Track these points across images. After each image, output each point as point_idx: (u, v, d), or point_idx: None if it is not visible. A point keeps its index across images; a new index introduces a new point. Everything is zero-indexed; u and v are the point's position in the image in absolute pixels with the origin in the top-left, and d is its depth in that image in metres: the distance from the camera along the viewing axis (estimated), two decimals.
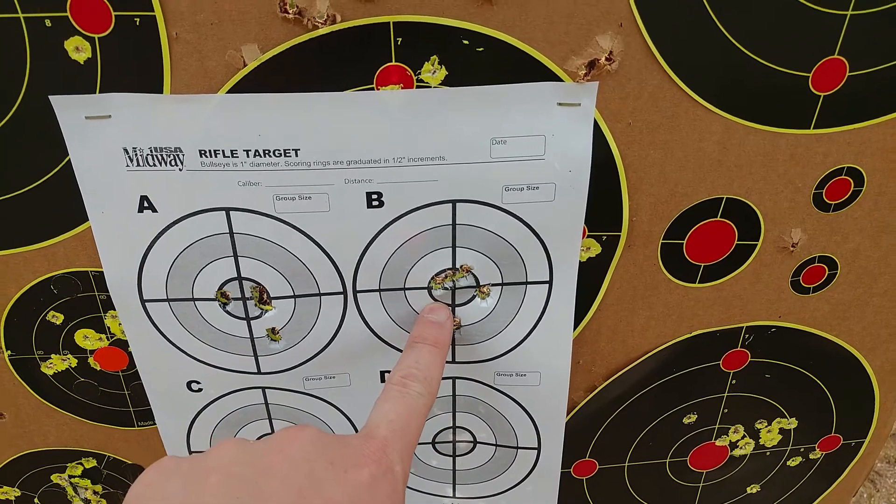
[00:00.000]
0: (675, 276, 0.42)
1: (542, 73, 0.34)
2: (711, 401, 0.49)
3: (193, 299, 0.39)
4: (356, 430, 0.47)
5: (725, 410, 0.50)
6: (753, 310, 0.44)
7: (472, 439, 0.48)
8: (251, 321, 0.41)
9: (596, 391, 0.47)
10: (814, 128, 0.37)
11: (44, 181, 0.36)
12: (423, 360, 0.35)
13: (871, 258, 0.43)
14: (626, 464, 0.52)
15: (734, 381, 0.48)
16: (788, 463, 0.54)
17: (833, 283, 0.44)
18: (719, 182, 0.38)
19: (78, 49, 0.32)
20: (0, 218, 0.37)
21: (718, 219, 0.40)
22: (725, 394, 0.49)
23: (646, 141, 0.36)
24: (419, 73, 0.33)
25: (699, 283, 0.42)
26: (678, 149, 0.37)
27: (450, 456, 0.49)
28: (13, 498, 0.50)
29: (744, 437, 0.52)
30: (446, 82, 0.33)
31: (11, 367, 0.43)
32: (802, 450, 0.53)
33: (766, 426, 0.51)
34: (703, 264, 0.42)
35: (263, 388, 0.44)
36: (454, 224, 0.38)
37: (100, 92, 0.33)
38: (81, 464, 0.48)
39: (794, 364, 0.48)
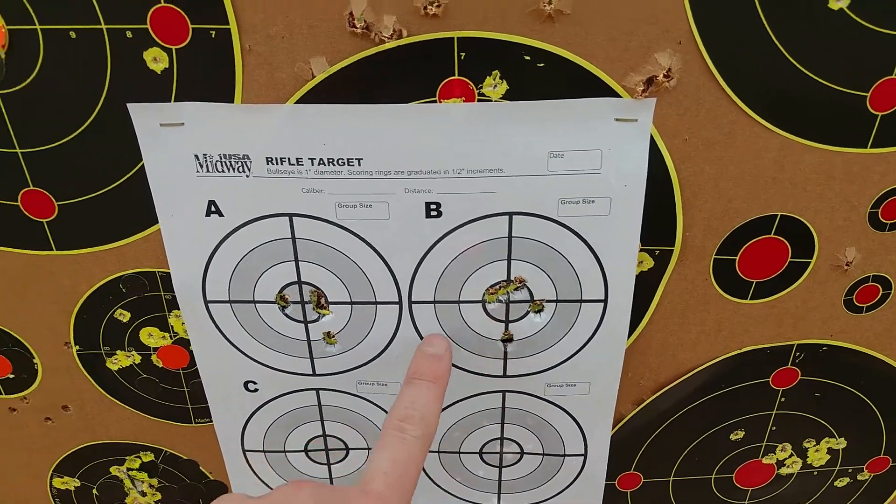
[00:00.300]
0: (726, 292, 0.42)
1: (600, 89, 0.34)
2: (759, 418, 0.49)
3: (254, 301, 0.41)
4: None
5: (773, 428, 0.50)
6: (805, 328, 0.44)
7: (519, 450, 0.48)
8: (308, 324, 0.42)
9: (643, 404, 0.47)
10: (871, 147, 0.37)
11: (118, 185, 0.37)
12: (421, 398, 0.35)
13: None
14: (671, 478, 0.52)
15: (783, 399, 0.48)
16: (836, 483, 0.53)
17: (887, 302, 0.44)
18: (774, 199, 0.38)
19: (156, 59, 0.33)
20: (76, 219, 0.38)
21: (772, 235, 0.40)
22: (774, 411, 0.49)
23: (701, 157, 0.37)
24: (481, 87, 0.34)
25: (751, 299, 0.42)
26: (733, 165, 0.37)
27: (496, 466, 0.49)
28: (73, 488, 0.52)
29: (791, 455, 0.52)
30: (507, 96, 0.34)
31: (79, 362, 0.45)
32: (850, 470, 0.52)
33: (815, 445, 0.51)
34: (755, 280, 0.42)
35: (317, 390, 0.45)
36: (510, 236, 0.38)
37: (174, 100, 0.34)
38: (139, 457, 0.50)
39: (844, 383, 0.48)
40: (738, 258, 0.41)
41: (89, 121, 0.35)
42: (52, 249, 0.40)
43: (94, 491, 0.52)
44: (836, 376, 0.47)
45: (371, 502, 0.30)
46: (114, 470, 0.51)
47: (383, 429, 0.34)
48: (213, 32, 0.32)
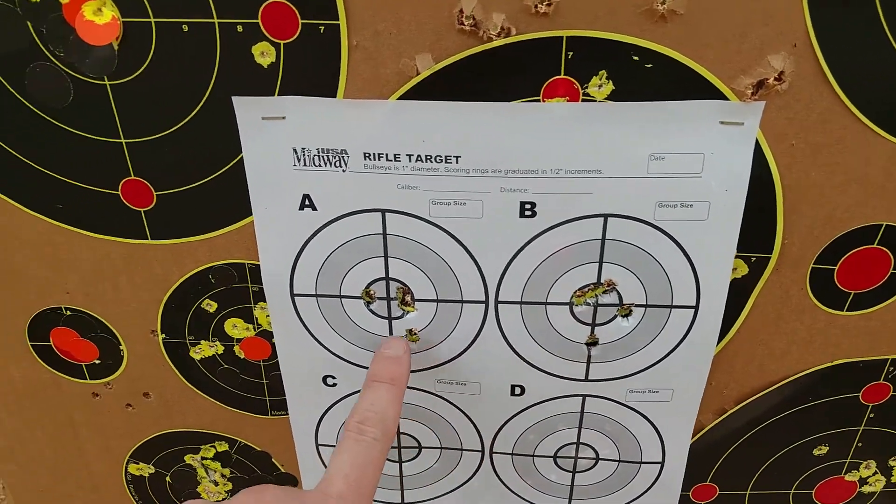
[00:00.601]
0: (822, 303, 0.41)
1: (707, 91, 0.34)
2: (846, 433, 0.48)
3: (340, 296, 0.41)
4: (481, 438, 0.47)
5: (859, 444, 0.48)
6: None
7: (594, 456, 0.48)
8: (392, 321, 0.42)
9: (725, 414, 0.46)
10: None
11: (215, 176, 0.38)
12: (380, 401, 0.36)
13: None
14: (748, 492, 0.51)
15: (872, 415, 0.47)
16: None
17: None
18: (880, 208, 0.37)
19: (263, 54, 0.33)
20: (173, 209, 0.39)
21: (875, 246, 0.39)
22: (861, 427, 0.47)
23: (808, 162, 0.36)
24: (586, 87, 0.34)
25: (847, 310, 0.41)
26: (841, 172, 0.36)
27: (569, 472, 0.49)
28: (147, 475, 0.53)
29: (875, 473, 0.50)
30: (611, 97, 0.34)
31: (164, 350, 0.45)
32: None
33: None
34: (853, 292, 0.41)
35: None
36: (603, 238, 0.38)
37: (278, 94, 0.34)
38: (214, 447, 0.51)
39: None
40: (837, 268, 0.39)
41: (193, 113, 0.35)
42: (148, 238, 0.40)
43: (168, 478, 0.53)
44: None
45: None
46: (188, 458, 0.52)
47: (343, 431, 0.34)
48: (322, 28, 0.32)
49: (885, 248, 0.39)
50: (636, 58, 0.33)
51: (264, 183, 0.37)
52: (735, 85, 0.34)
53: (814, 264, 0.39)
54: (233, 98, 0.35)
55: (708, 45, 0.33)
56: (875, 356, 0.43)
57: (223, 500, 0.48)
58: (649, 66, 0.33)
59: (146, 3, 0.33)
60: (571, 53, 0.33)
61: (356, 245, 0.39)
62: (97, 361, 0.46)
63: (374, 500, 0.45)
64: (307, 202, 0.38)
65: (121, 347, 0.45)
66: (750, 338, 0.42)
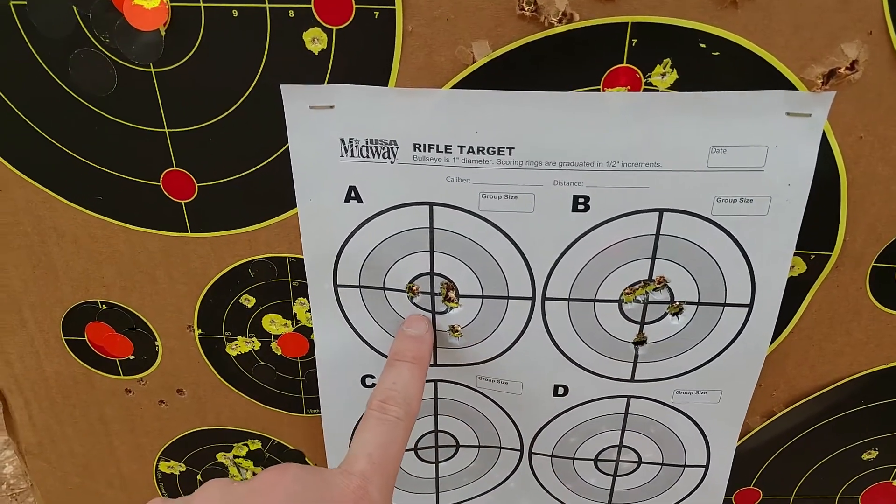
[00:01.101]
0: (881, 303, 0.39)
1: (774, 80, 0.32)
2: None
3: (384, 288, 0.40)
4: (520, 438, 0.46)
5: None
6: None
7: (636, 459, 0.46)
8: (436, 315, 0.40)
9: (774, 417, 0.45)
10: None
11: (258, 168, 0.36)
12: (402, 379, 0.35)
13: None
14: (793, 496, 0.50)
15: None
16: None
17: None
18: None
19: (315, 40, 0.32)
20: (214, 201, 0.38)
21: None
22: None
23: (876, 156, 0.34)
24: (649, 77, 0.32)
25: None
26: None
27: (610, 475, 0.48)
28: (178, 473, 0.52)
29: None
30: (675, 86, 0.32)
31: (199, 346, 0.44)
32: None
33: None
34: None
35: (436, 382, 0.44)
36: (657, 234, 0.36)
37: (328, 82, 0.33)
38: (247, 445, 0.50)
39: None
40: None
41: (240, 101, 0.34)
42: (188, 231, 0.39)
43: (199, 476, 0.52)
44: None
45: (354, 483, 0.30)
46: (220, 456, 0.51)
47: (366, 410, 0.34)
48: (377, 13, 0.31)
49: None
50: (703, 45, 0.32)
51: (310, 174, 0.36)
52: (805, 74, 0.32)
53: (875, 263, 0.38)
54: (281, 86, 0.34)
55: (779, 32, 0.31)
56: None
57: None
58: (716, 53, 0.32)
59: None
60: (636, 41, 0.32)
61: (401, 239, 0.38)
62: (131, 357, 0.45)
63: None
64: (353, 194, 0.37)
65: (156, 343, 0.44)
66: (803, 338, 0.41)
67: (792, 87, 0.33)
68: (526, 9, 0.31)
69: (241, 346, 0.44)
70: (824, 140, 0.34)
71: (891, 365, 0.42)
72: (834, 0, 0.30)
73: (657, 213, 0.36)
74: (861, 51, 0.31)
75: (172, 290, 0.42)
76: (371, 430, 0.33)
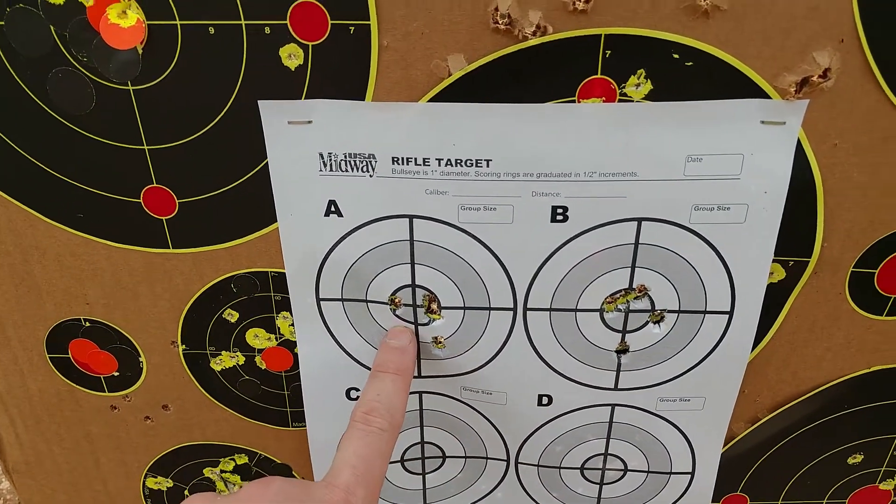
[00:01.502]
0: (860, 308, 0.40)
1: (748, 90, 0.33)
2: (881, 441, 0.46)
3: (367, 301, 0.40)
4: (506, 448, 0.46)
5: (895, 452, 0.47)
6: None
7: (622, 467, 0.46)
8: (418, 327, 0.41)
9: (758, 423, 0.45)
10: None
11: (239, 183, 0.37)
12: (386, 391, 0.35)
13: None
14: (780, 501, 0.50)
15: None
16: None
17: None
18: None
19: (291, 56, 0.32)
20: (195, 217, 0.38)
21: None
22: None
23: (851, 163, 0.34)
24: (623, 87, 0.33)
25: (887, 315, 0.40)
26: (886, 173, 0.35)
27: (596, 483, 0.48)
28: (165, 489, 0.52)
29: None
30: (650, 96, 0.33)
31: (184, 362, 0.44)
32: None
33: None
34: (893, 296, 0.39)
35: (420, 393, 0.44)
36: (637, 243, 0.37)
37: (305, 97, 0.33)
38: (234, 460, 0.49)
39: None
40: (877, 272, 0.38)
41: (218, 118, 0.34)
42: (169, 248, 0.39)
43: (186, 492, 0.52)
44: None
45: (337, 495, 0.30)
46: (207, 472, 0.51)
47: (350, 422, 0.34)
48: (353, 28, 0.31)
49: None
50: (676, 56, 0.32)
51: (289, 189, 0.36)
52: (778, 83, 0.33)
53: (854, 268, 0.38)
54: (259, 102, 0.34)
55: (751, 41, 0.32)
56: None
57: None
58: (689, 64, 0.32)
59: (172, 4, 0.32)
60: (609, 52, 0.32)
61: (382, 252, 0.38)
62: (116, 374, 0.45)
63: None
64: (333, 209, 0.37)
65: (140, 359, 0.44)
66: (785, 344, 0.41)
67: (766, 96, 0.33)
68: (500, 22, 0.31)
69: (225, 360, 0.44)
70: (799, 147, 0.34)
71: (872, 369, 0.43)
72: (805, 9, 0.31)
73: (636, 223, 0.36)
74: (833, 59, 0.32)
75: (155, 305, 0.42)
76: (355, 442, 0.33)
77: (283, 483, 0.31)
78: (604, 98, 0.33)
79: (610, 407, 0.43)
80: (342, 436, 0.34)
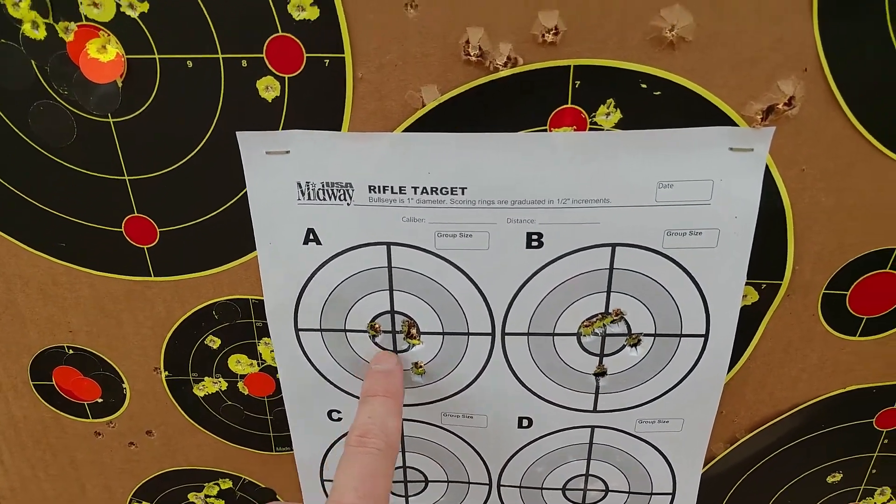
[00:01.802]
0: (834, 328, 0.40)
1: (716, 117, 0.33)
2: (860, 460, 0.47)
3: (345, 330, 0.40)
4: (488, 471, 0.46)
5: (874, 471, 0.47)
6: None
7: (604, 488, 0.47)
8: (398, 353, 0.41)
9: (737, 443, 0.45)
10: None
11: (219, 212, 0.37)
12: (377, 412, 0.35)
13: None
14: None
15: (886, 441, 0.46)
16: None
17: None
18: (893, 232, 0.37)
19: (268, 88, 0.33)
20: (176, 245, 0.38)
21: (888, 270, 0.38)
22: (875, 453, 0.47)
23: (818, 188, 0.35)
24: (593, 116, 0.33)
25: (860, 336, 0.41)
26: (852, 197, 0.35)
27: None
28: None
29: (890, 499, 0.49)
30: (620, 125, 0.33)
31: (167, 388, 0.44)
32: None
33: None
34: (865, 317, 0.40)
35: (402, 420, 0.44)
36: (611, 268, 0.37)
37: (282, 128, 0.34)
38: (218, 484, 0.50)
39: None
40: (849, 293, 0.39)
41: (198, 148, 0.35)
42: (151, 275, 0.40)
43: None
44: None
45: None
46: (192, 496, 0.51)
47: (345, 447, 0.33)
48: (327, 61, 0.32)
49: None
50: (644, 85, 0.33)
51: (268, 218, 0.37)
52: (744, 111, 0.33)
53: (825, 290, 0.39)
54: (237, 133, 0.34)
55: (717, 71, 0.32)
56: (889, 381, 0.43)
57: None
58: (657, 93, 0.33)
59: (151, 39, 0.32)
60: (579, 82, 0.33)
61: (361, 279, 0.38)
62: (99, 400, 0.45)
63: None
64: (311, 236, 0.37)
65: (123, 385, 0.45)
66: (761, 365, 0.42)
67: (734, 124, 0.34)
68: (471, 55, 0.32)
69: (208, 386, 0.44)
70: (768, 173, 0.35)
71: (848, 389, 0.43)
72: (769, 40, 0.32)
73: (610, 248, 0.37)
74: (797, 87, 0.33)
75: (138, 333, 0.42)
76: (353, 464, 0.32)
77: None
78: (575, 127, 0.34)
79: (590, 429, 0.44)
80: (339, 462, 0.33)
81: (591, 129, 0.34)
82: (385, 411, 0.35)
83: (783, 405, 0.44)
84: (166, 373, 0.44)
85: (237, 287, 0.40)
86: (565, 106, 0.33)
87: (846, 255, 0.38)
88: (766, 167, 0.35)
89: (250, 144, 0.35)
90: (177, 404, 0.45)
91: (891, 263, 0.38)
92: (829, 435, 0.46)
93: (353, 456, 0.33)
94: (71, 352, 0.43)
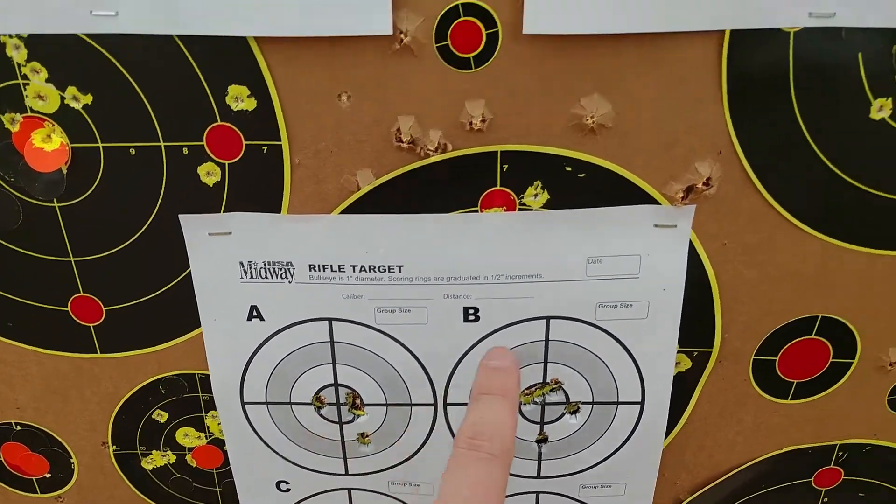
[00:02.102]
0: (766, 393, 0.42)
1: (640, 197, 0.35)
2: None
3: (290, 403, 0.41)
4: None
5: None
6: (848, 427, 0.43)
7: None
8: (343, 425, 0.42)
9: None
10: None
11: (164, 290, 0.38)
12: (491, 412, 0.30)
13: None
14: None
15: (826, 499, 0.47)
16: None
17: None
18: (815, 301, 0.39)
19: (209, 173, 0.34)
20: (122, 323, 0.39)
21: (813, 336, 0.40)
22: None
23: (741, 261, 0.37)
24: (522, 197, 0.35)
25: (792, 399, 0.42)
26: (774, 269, 0.37)
27: None
28: None
29: None
30: (548, 205, 0.35)
31: (115, 462, 0.45)
32: None
33: None
34: (796, 381, 0.42)
35: (349, 490, 0.45)
36: (547, 340, 0.38)
37: (224, 211, 0.35)
38: None
39: (889, 483, 0.47)
40: (778, 359, 0.41)
41: (142, 230, 0.36)
42: (97, 353, 0.40)
43: None
44: (880, 476, 0.46)
45: None
46: None
47: (453, 450, 0.29)
48: (265, 148, 0.34)
49: (822, 339, 0.40)
50: (569, 168, 0.34)
51: (212, 296, 0.38)
52: (666, 191, 0.35)
53: (755, 356, 0.40)
54: (180, 216, 0.35)
55: (637, 154, 0.34)
56: (823, 442, 0.44)
57: None
58: (582, 175, 0.35)
59: (94, 129, 0.34)
60: (506, 166, 0.34)
61: (304, 353, 0.39)
62: (48, 475, 0.45)
63: None
64: (255, 313, 0.38)
65: (72, 460, 0.45)
66: (698, 429, 0.43)
67: (657, 202, 0.35)
68: (403, 141, 0.33)
69: (156, 459, 0.45)
70: (692, 247, 0.37)
71: (784, 450, 0.44)
72: (685, 125, 0.34)
73: (545, 321, 0.38)
74: (713, 168, 0.35)
75: (85, 408, 0.43)
76: (463, 471, 0.28)
77: None
78: (505, 207, 0.35)
79: (535, 494, 0.45)
80: (446, 468, 0.28)
81: (520, 210, 0.35)
82: (500, 411, 0.30)
83: (723, 467, 0.45)
84: (114, 447, 0.44)
85: (183, 362, 0.41)
86: (495, 188, 0.35)
87: (773, 322, 0.40)
88: (690, 242, 0.36)
89: (193, 227, 0.36)
90: (125, 478, 0.45)
91: (815, 330, 0.40)
92: (770, 494, 0.47)
93: (464, 461, 0.28)
94: (19, 428, 0.43)
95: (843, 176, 0.35)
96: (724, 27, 0.31)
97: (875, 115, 0.33)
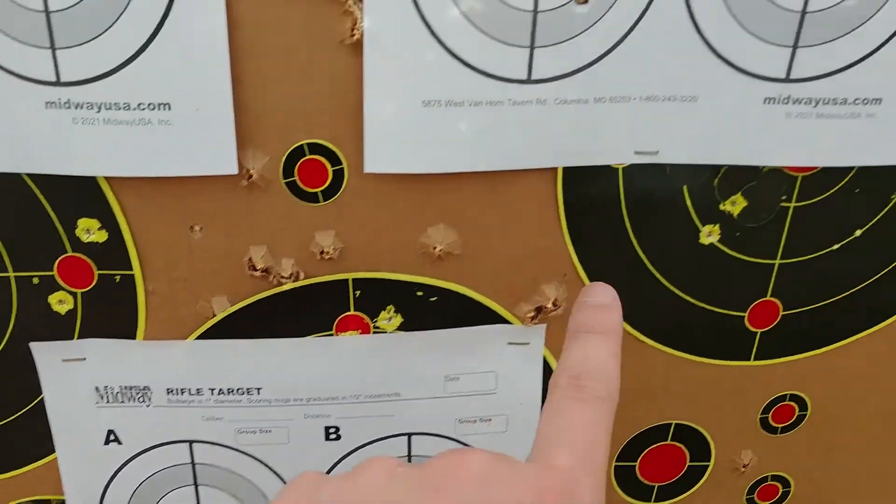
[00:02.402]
0: (630, 496, 0.43)
1: (492, 317, 0.36)
2: None
3: None
4: None
5: None
6: None
7: None
8: None
9: None
10: (754, 359, 0.40)
11: (17, 416, 0.37)
12: (593, 352, 0.26)
13: (824, 475, 0.44)
14: None
15: None
16: None
17: (788, 500, 0.45)
18: (667, 409, 0.40)
19: (61, 302, 0.34)
20: None
21: (669, 442, 0.42)
22: None
23: None
24: (376, 321, 0.36)
25: (654, 502, 0.43)
26: (625, 380, 0.38)
27: None
28: None
29: None
30: (402, 328, 0.36)
31: None
32: None
33: None
34: (656, 484, 0.43)
35: None
36: (409, 455, 0.39)
37: (78, 337, 0.35)
38: None
39: None
40: (637, 464, 0.42)
41: None
42: None
43: None
44: None
45: (559, 482, 0.21)
46: None
47: (550, 392, 0.25)
48: (118, 277, 0.34)
49: (678, 444, 0.42)
50: (420, 293, 0.36)
51: (67, 421, 0.37)
52: (516, 311, 0.37)
53: (616, 462, 0.42)
54: (31, 344, 0.35)
55: (486, 278, 0.36)
56: None
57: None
58: (434, 298, 0.36)
59: None
60: (359, 292, 0.35)
61: (165, 476, 0.39)
62: None
63: None
64: (112, 437, 0.38)
65: None
66: None
67: (509, 322, 0.37)
68: (257, 270, 0.34)
69: None
70: (547, 362, 0.38)
71: None
72: (529, 251, 0.35)
73: (406, 437, 0.39)
74: (559, 290, 0.36)
75: None
76: (566, 413, 0.24)
77: (485, 458, 0.22)
78: (360, 330, 0.36)
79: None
80: (543, 413, 0.24)
81: (374, 332, 0.36)
82: (603, 350, 0.26)
83: None
84: None
85: (39, 488, 0.40)
86: (349, 313, 0.36)
87: (629, 430, 0.41)
88: (545, 358, 0.38)
89: (45, 354, 0.36)
90: None
91: (671, 435, 0.42)
92: None
93: (565, 403, 0.24)
94: None
95: (682, 294, 0.37)
96: (555, 165, 0.33)
97: (704, 240, 0.36)
